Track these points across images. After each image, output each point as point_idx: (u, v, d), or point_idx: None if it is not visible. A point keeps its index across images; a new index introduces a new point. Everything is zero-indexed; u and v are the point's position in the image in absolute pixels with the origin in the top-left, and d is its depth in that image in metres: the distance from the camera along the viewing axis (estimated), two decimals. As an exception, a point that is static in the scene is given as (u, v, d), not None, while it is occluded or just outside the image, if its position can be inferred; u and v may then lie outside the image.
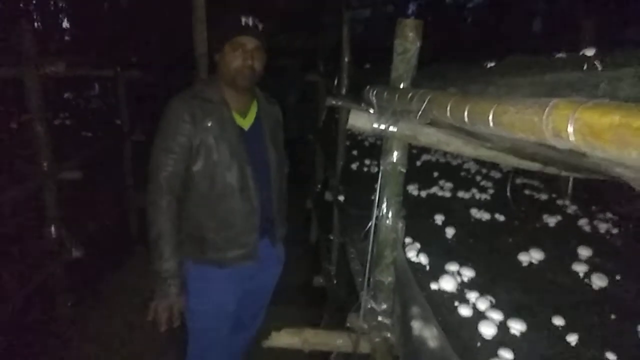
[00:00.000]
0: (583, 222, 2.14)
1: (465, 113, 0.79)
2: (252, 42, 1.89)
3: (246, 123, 2.01)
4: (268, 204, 2.05)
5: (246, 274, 2.07)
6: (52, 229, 3.07)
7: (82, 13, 8.75)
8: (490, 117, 0.71)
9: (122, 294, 3.79)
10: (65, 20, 8.91)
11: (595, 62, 0.69)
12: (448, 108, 0.87)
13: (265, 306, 2.41)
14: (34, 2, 8.04)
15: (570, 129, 0.52)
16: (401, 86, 1.37)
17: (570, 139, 0.52)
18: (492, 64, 1.12)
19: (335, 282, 3.25)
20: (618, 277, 1.59)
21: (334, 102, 2.71)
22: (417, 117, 1.05)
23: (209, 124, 1.85)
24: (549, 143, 0.57)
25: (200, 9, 3.34)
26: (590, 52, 0.89)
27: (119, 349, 3.11)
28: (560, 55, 0.95)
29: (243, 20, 1.87)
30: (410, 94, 1.12)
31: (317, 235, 4.55)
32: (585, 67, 0.71)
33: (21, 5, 7.73)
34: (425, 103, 1.00)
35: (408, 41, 1.35)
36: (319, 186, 4.45)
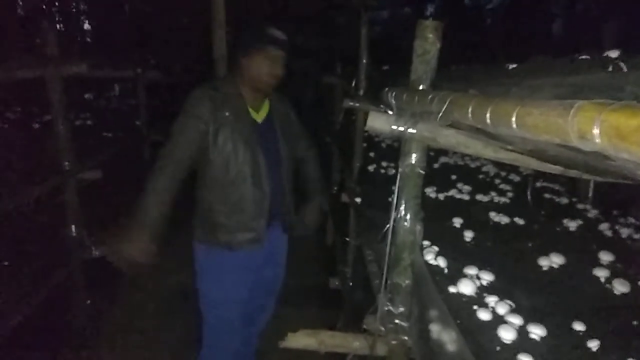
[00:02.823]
0: (604, 227, 2.11)
1: (488, 115, 0.79)
2: (278, 52, 2.05)
3: (259, 117, 2.15)
4: (280, 192, 2.17)
5: (256, 262, 2.17)
6: (73, 228, 3.12)
7: (103, 15, 8.88)
8: (514, 119, 0.70)
9: (140, 293, 3.82)
10: (87, 22, 9.06)
11: (621, 64, 0.68)
12: (470, 110, 0.86)
13: (274, 297, 2.46)
14: (57, 4, 8.18)
15: (596, 131, 0.51)
16: (420, 88, 1.36)
17: (596, 141, 0.52)
18: (514, 66, 1.11)
19: (350, 284, 3.24)
20: (640, 283, 1.56)
21: (351, 104, 2.70)
22: (438, 119, 1.05)
23: (226, 114, 2.00)
24: (574, 145, 0.56)
25: (219, 13, 3.37)
26: (614, 53, 0.88)
27: (136, 349, 3.14)
28: (583, 56, 0.94)
29: (273, 32, 2.04)
30: (430, 96, 1.12)
31: (334, 237, 4.55)
32: (610, 69, 0.70)
33: (44, 7, 7.86)
34: (446, 105, 1.00)
35: (428, 42, 1.34)
36: (336, 188, 4.44)
